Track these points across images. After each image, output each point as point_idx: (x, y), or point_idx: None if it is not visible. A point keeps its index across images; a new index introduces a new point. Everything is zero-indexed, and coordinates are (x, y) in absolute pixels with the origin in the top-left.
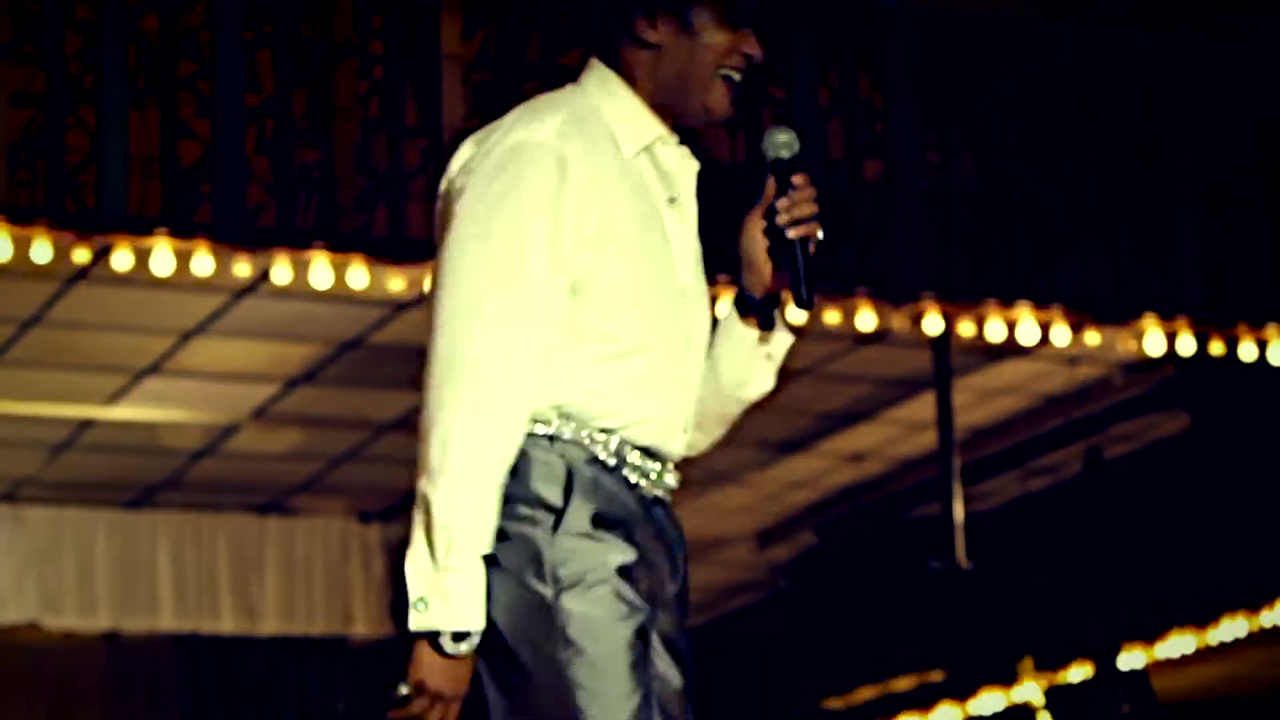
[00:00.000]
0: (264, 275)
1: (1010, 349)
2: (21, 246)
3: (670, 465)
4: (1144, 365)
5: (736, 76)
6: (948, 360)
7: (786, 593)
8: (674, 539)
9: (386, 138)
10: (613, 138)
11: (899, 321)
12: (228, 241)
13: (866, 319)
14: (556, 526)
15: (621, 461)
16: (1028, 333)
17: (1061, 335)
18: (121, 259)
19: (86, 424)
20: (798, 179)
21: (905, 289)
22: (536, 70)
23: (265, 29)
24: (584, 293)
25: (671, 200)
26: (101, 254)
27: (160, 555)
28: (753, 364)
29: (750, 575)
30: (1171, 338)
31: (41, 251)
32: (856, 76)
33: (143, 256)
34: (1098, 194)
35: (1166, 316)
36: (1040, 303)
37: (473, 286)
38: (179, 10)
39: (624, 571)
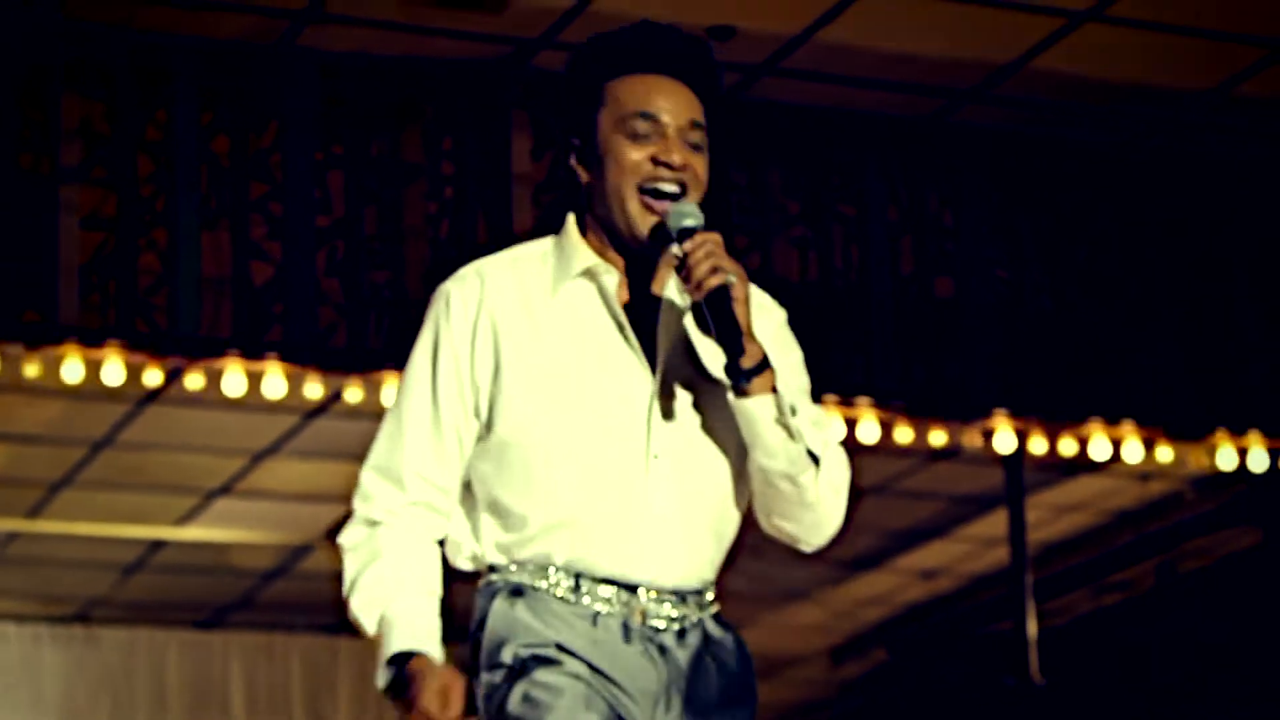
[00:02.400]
0: (336, 396)
1: (1082, 465)
2: (93, 368)
3: (652, 592)
4: (1216, 480)
5: (666, 188)
6: (1020, 476)
7: (860, 710)
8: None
9: (457, 258)
10: (547, 277)
11: (971, 438)
12: (299, 362)
13: (938, 435)
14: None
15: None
16: (1100, 449)
17: (1133, 451)
18: (193, 380)
19: (158, 545)
20: (687, 244)
21: (977, 405)
22: None
23: (336, 150)
24: (494, 428)
25: (621, 327)
26: (173, 375)
27: (233, 675)
28: (751, 431)
29: (823, 693)
30: (1243, 453)
31: (113, 373)
32: (927, 194)
33: (214, 377)
34: (1167, 310)
35: (1238, 432)
36: (1112, 419)
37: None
38: (249, 132)
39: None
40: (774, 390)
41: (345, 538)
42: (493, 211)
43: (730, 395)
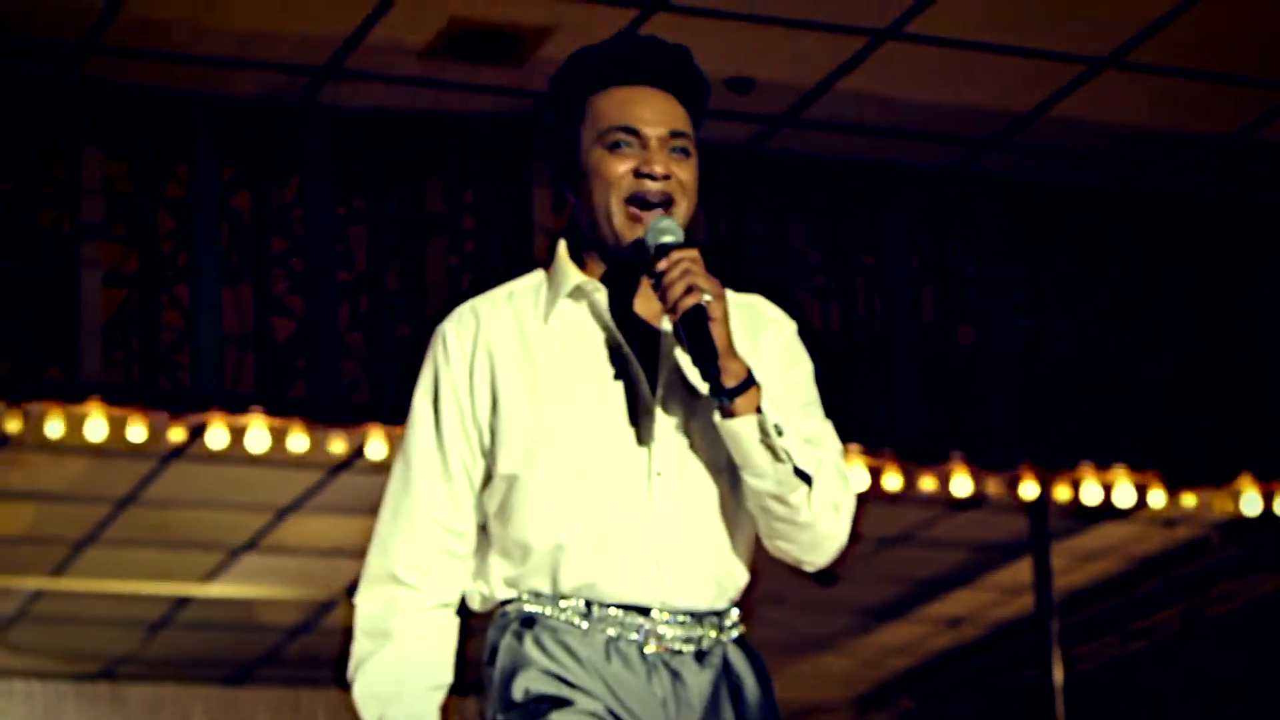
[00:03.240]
0: (359, 451)
1: (1107, 512)
2: (117, 426)
3: (664, 614)
4: (1241, 525)
5: (652, 199)
6: (1045, 524)
7: None
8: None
9: None
10: (541, 305)
11: (995, 486)
12: (322, 419)
13: (962, 484)
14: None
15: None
16: (1124, 495)
17: (1158, 497)
18: (217, 437)
19: (184, 601)
20: (661, 263)
21: (1000, 454)
22: None
23: (357, 204)
24: (497, 462)
25: (617, 344)
26: (197, 432)
27: None
28: (737, 450)
29: None
30: (1268, 497)
31: (137, 431)
32: (948, 242)
33: (238, 434)
34: (1190, 355)
35: (1262, 477)
36: (1136, 465)
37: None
38: (271, 187)
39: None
40: (759, 410)
41: (361, 598)
42: (515, 264)
43: (715, 414)
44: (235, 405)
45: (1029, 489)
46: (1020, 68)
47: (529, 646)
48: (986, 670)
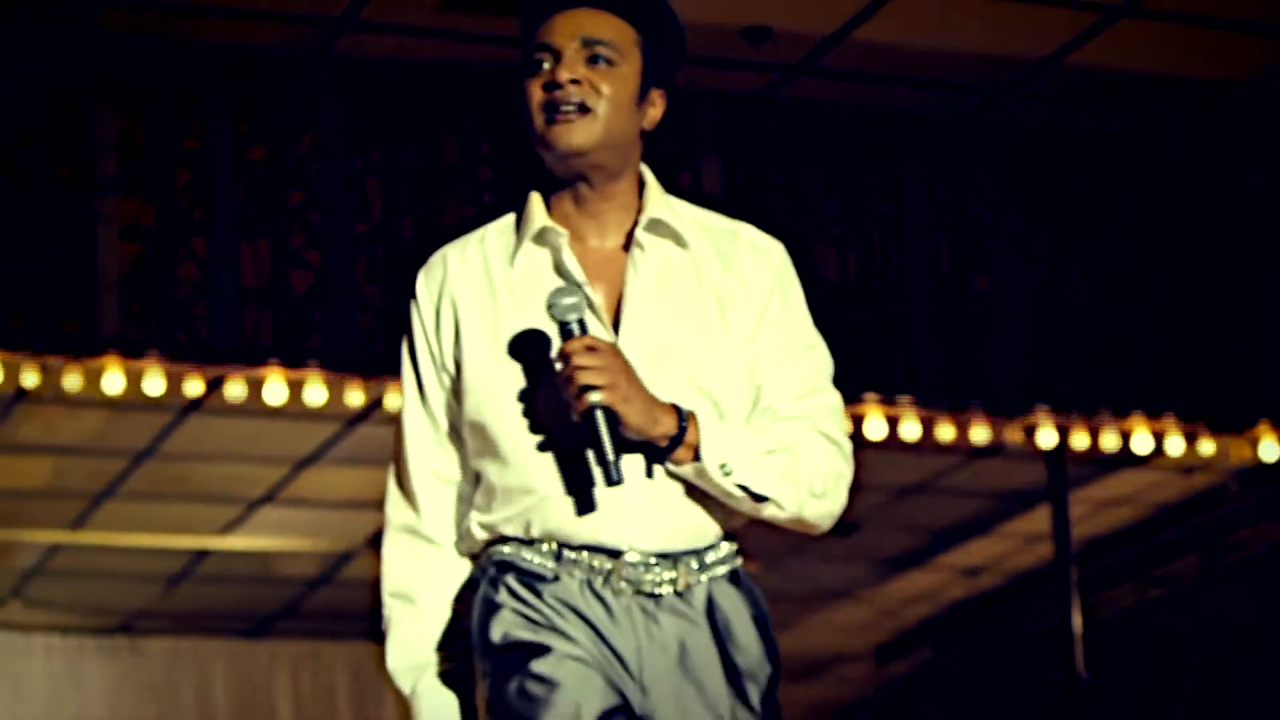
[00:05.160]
0: (377, 403)
1: (1125, 459)
2: (134, 379)
3: (633, 558)
4: (1259, 472)
5: (561, 105)
6: (1063, 472)
7: (905, 708)
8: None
9: None
10: (505, 248)
11: (1012, 434)
12: (340, 370)
13: (980, 432)
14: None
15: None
16: (1142, 443)
17: (1176, 444)
18: (234, 389)
19: (202, 554)
20: (567, 346)
21: (1018, 401)
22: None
23: (373, 157)
24: (465, 407)
25: (577, 285)
26: (214, 385)
27: (278, 684)
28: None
29: (868, 692)
30: None
31: (154, 384)
32: (964, 191)
33: (255, 386)
34: (1208, 302)
35: None
36: (1153, 412)
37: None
38: (286, 141)
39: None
40: (698, 455)
41: (385, 548)
42: None
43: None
44: (252, 358)
45: (1047, 437)
46: (1035, 15)
47: (503, 593)
48: (1005, 619)
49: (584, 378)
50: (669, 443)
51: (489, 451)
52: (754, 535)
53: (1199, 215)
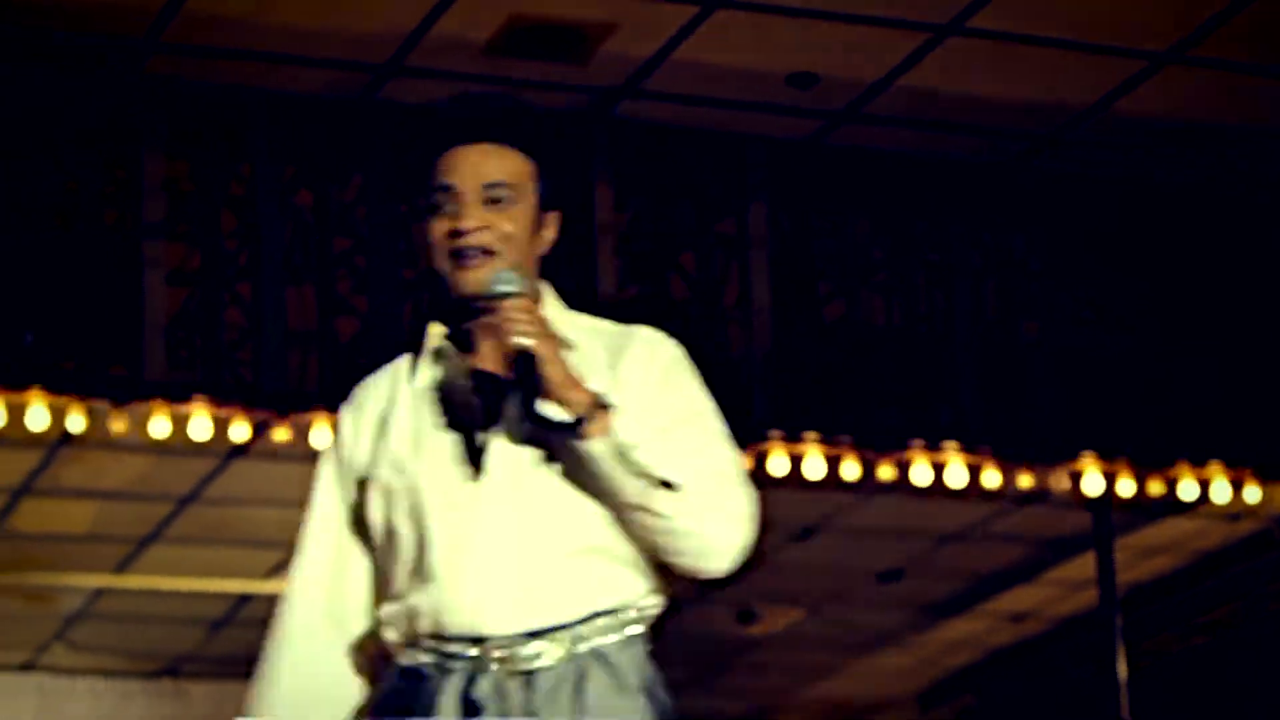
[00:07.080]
0: None
1: (1170, 506)
2: (180, 424)
3: (499, 643)
4: None
5: (467, 253)
6: (1108, 519)
7: None
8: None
9: None
10: (410, 368)
11: (1058, 481)
12: None
13: (1025, 479)
14: None
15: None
16: (1188, 490)
17: (1221, 491)
18: (280, 434)
19: (246, 599)
20: (507, 304)
21: (1063, 448)
22: (690, 240)
23: (420, 203)
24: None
25: (465, 396)
26: (260, 430)
27: None
28: (591, 470)
29: None
30: None
31: (200, 428)
32: (1011, 238)
33: (301, 431)
34: (1254, 350)
35: None
36: (1199, 460)
37: None
38: (332, 185)
39: None
40: (610, 432)
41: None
42: (577, 262)
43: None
44: (299, 403)
45: (1092, 484)
46: (1081, 63)
47: (389, 695)
48: (1049, 665)
49: (519, 328)
50: (585, 412)
51: (381, 557)
52: (797, 581)
53: (1245, 262)
